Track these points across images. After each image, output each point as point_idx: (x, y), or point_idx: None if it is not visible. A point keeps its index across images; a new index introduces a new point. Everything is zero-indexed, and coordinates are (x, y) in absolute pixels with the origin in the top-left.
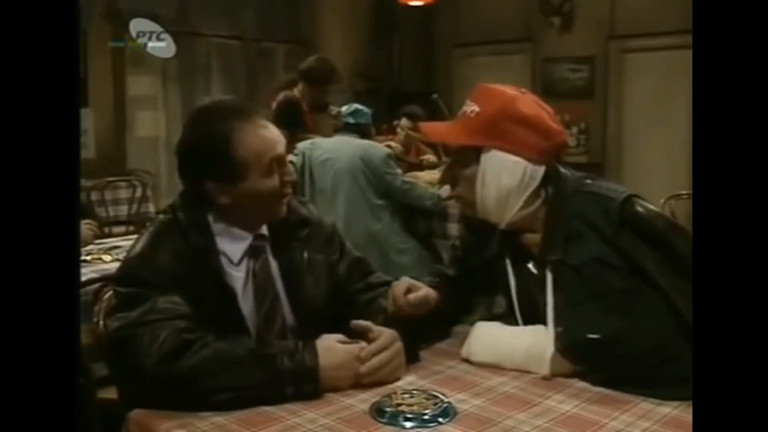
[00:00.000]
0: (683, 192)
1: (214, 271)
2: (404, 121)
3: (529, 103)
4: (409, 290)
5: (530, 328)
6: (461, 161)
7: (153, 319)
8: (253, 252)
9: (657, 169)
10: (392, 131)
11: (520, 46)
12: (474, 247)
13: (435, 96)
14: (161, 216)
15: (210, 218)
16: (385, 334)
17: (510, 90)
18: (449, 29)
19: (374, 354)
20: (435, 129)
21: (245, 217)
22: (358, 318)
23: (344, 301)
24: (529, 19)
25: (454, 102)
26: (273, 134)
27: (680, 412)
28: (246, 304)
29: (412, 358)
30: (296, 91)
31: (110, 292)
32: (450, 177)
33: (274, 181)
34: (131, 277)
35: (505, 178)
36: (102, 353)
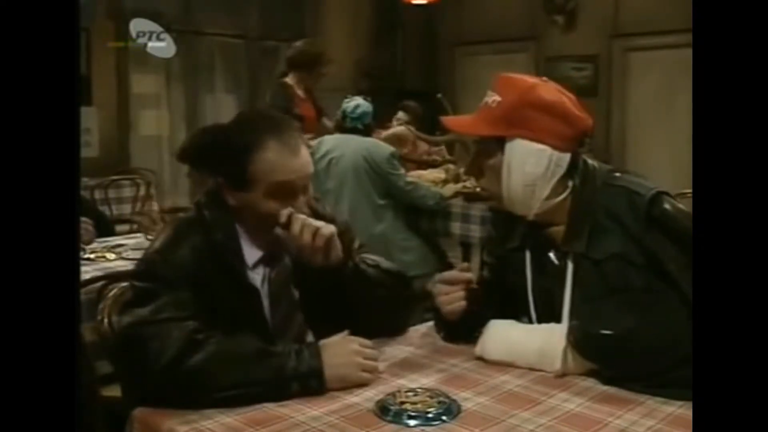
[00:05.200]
0: (687, 191)
1: (234, 270)
2: (400, 114)
3: (551, 90)
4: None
5: (544, 326)
6: (485, 152)
7: (164, 317)
8: (269, 258)
9: (661, 168)
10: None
11: (524, 45)
12: (499, 239)
13: (439, 95)
14: (184, 213)
15: (235, 218)
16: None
17: (530, 78)
18: (452, 28)
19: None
20: (457, 121)
21: (252, 233)
22: (362, 322)
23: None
24: (532, 17)
25: (458, 101)
26: (293, 162)
27: (685, 411)
28: (265, 305)
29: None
30: (289, 80)
31: (114, 290)
32: (475, 169)
33: (276, 208)
34: (148, 272)
35: (530, 166)
36: (106, 351)
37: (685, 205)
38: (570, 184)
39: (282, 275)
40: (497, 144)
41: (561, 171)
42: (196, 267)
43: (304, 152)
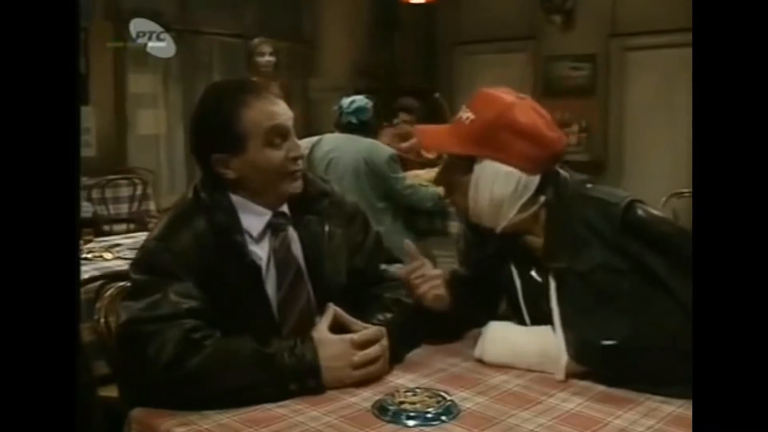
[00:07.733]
0: (685, 190)
1: (238, 248)
2: (402, 115)
3: (526, 112)
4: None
5: (544, 327)
6: (455, 166)
7: (161, 314)
8: (273, 228)
9: (659, 167)
10: (390, 122)
11: (522, 44)
12: (476, 244)
13: (437, 95)
14: (181, 199)
15: (231, 195)
16: (373, 329)
17: (507, 97)
18: (451, 27)
19: (367, 341)
20: (429, 134)
21: (259, 194)
22: (367, 308)
23: (360, 286)
24: (530, 17)
25: (456, 100)
26: (277, 107)
27: (685, 410)
28: (270, 282)
29: (396, 358)
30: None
31: (111, 290)
32: (443, 180)
33: (277, 155)
34: (147, 262)
35: (498, 187)
36: (104, 351)
37: (685, 204)
38: (542, 199)
39: (287, 243)
40: (467, 161)
41: (529, 193)
42: (198, 251)
43: (280, 102)
